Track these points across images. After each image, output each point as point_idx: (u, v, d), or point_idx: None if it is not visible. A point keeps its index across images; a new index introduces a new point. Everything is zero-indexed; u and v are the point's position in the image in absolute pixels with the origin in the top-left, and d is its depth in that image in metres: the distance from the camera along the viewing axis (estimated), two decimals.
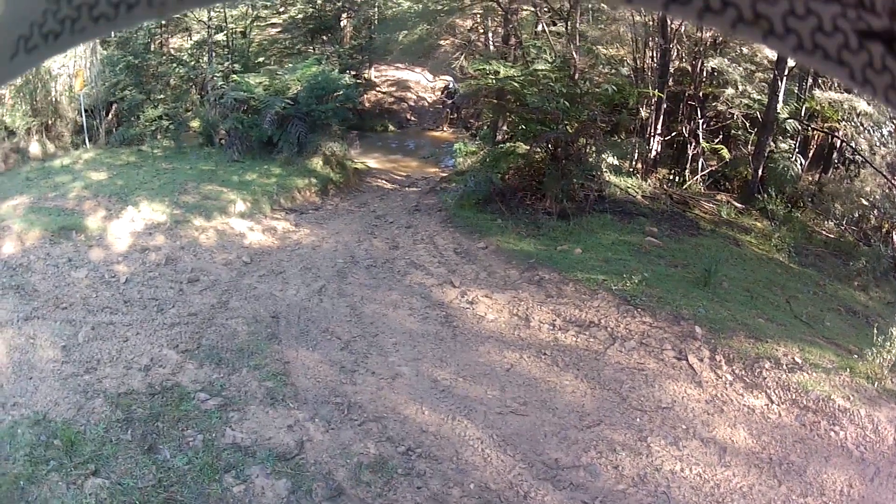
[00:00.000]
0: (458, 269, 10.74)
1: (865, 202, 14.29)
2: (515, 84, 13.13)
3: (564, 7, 14.87)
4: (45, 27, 0.51)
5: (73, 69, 16.46)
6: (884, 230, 13.71)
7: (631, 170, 15.42)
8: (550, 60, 13.57)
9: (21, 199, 11.75)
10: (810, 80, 15.21)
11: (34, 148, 15.64)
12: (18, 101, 16.13)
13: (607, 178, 14.02)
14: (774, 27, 0.43)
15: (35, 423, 6.68)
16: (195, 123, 17.36)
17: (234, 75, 16.84)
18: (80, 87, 15.68)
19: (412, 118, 23.84)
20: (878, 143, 14.78)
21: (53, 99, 16.52)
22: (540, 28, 16.56)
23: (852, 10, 0.42)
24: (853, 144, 15.02)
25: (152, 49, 18.37)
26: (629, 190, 14.24)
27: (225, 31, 18.81)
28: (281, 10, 21.74)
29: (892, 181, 13.98)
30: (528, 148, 13.39)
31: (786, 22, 0.42)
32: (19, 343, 8.00)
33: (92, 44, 16.91)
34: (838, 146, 15.61)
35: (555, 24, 16.02)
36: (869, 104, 13.80)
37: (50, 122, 16.41)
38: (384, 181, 16.75)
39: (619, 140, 16.29)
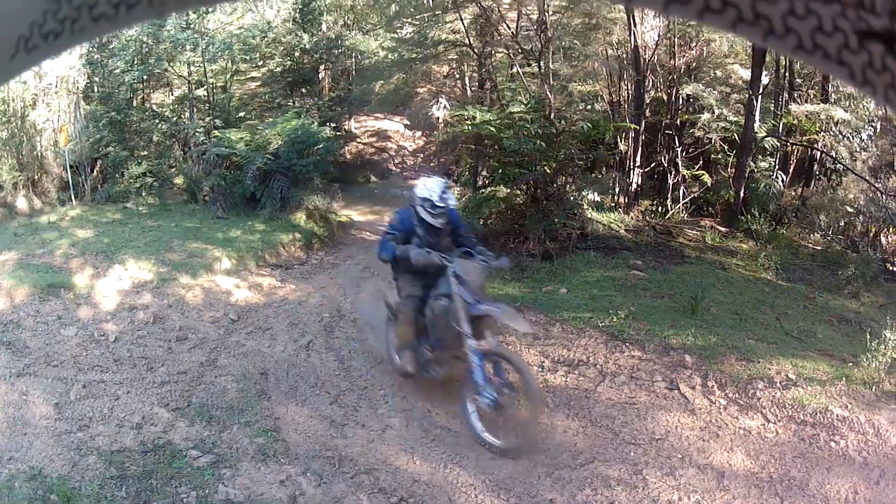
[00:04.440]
0: None
1: (850, 209, 14.34)
2: (492, 128, 13.21)
3: (536, 48, 15.06)
4: (45, 27, 0.52)
5: (57, 124, 16.56)
6: (871, 234, 13.74)
7: (613, 205, 15.49)
8: (525, 102, 13.66)
9: (9, 254, 11.83)
10: (786, 96, 15.36)
11: (21, 203, 15.62)
12: (4, 155, 16.17)
13: (589, 216, 14.04)
14: (774, 27, 0.44)
15: (31, 478, 6.67)
16: (179, 180, 17.38)
17: (216, 131, 16.96)
18: (64, 142, 15.75)
19: (394, 168, 23.91)
20: (858, 149, 14.90)
21: (39, 154, 16.57)
22: (514, 70, 16.75)
23: (852, 10, 0.43)
24: (833, 154, 15.13)
25: (134, 105, 18.38)
26: (612, 225, 14.29)
27: (205, 86, 18.94)
28: (260, 63, 21.91)
29: (875, 184, 14.07)
30: (509, 191, 13.43)
31: (786, 22, 0.44)
32: (12, 399, 8.00)
33: (75, 98, 17.04)
34: (818, 158, 15.69)
35: (529, 65, 16.20)
36: (846, 111, 13.95)
37: (36, 177, 16.42)
38: (368, 233, 16.72)
39: (598, 176, 16.37)
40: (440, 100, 15.04)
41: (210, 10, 16.55)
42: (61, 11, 0.51)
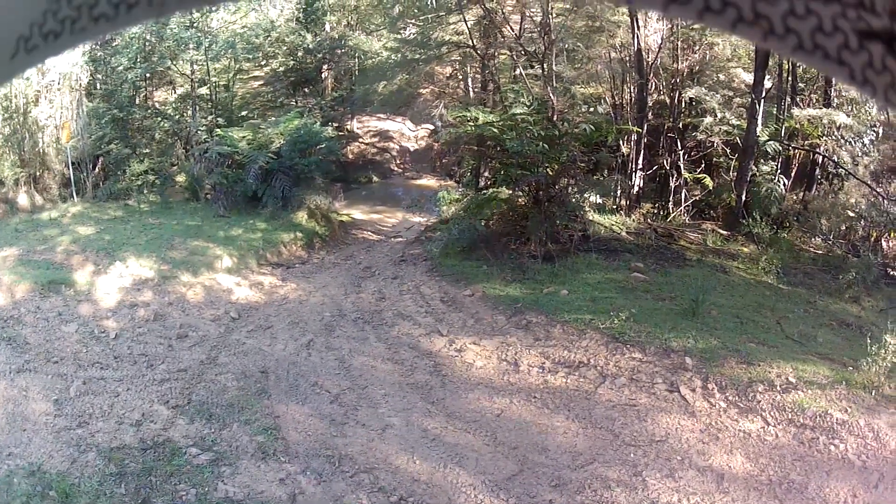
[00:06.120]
0: (445, 317, 10.72)
1: (851, 214, 14.37)
2: (494, 129, 13.18)
3: (539, 50, 15.06)
4: (46, 27, 0.52)
5: (59, 121, 16.57)
6: (872, 239, 13.77)
7: (614, 207, 15.47)
8: (528, 104, 13.65)
9: (10, 250, 11.87)
10: (788, 100, 15.33)
11: (22, 199, 15.66)
12: (6, 152, 16.20)
13: (591, 218, 14.02)
14: (774, 27, 0.44)
15: (30, 474, 6.72)
16: (181, 178, 17.40)
17: (219, 129, 16.97)
18: (66, 139, 15.80)
19: (395, 168, 23.96)
20: (860, 154, 14.90)
21: (41, 150, 16.62)
22: (518, 72, 16.75)
23: (852, 10, 0.43)
24: (835, 158, 15.12)
25: (137, 102, 18.40)
26: (613, 227, 14.27)
27: (208, 85, 18.96)
28: (263, 62, 21.93)
29: (876, 189, 14.06)
30: (511, 192, 13.42)
31: (786, 22, 0.43)
32: (12, 395, 8.03)
33: (77, 96, 17.05)
34: (820, 162, 15.66)
35: (532, 67, 16.20)
36: (848, 116, 13.93)
37: (38, 173, 16.44)
38: (369, 233, 16.77)
39: (600, 178, 16.36)
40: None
41: (214, 9, 16.54)
42: (61, 11, 0.51)
